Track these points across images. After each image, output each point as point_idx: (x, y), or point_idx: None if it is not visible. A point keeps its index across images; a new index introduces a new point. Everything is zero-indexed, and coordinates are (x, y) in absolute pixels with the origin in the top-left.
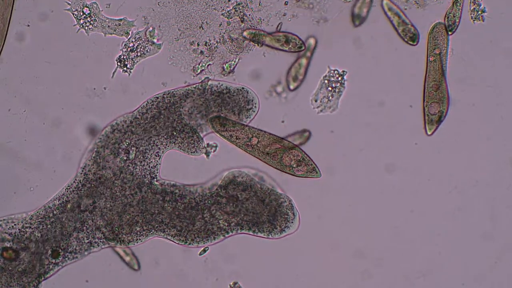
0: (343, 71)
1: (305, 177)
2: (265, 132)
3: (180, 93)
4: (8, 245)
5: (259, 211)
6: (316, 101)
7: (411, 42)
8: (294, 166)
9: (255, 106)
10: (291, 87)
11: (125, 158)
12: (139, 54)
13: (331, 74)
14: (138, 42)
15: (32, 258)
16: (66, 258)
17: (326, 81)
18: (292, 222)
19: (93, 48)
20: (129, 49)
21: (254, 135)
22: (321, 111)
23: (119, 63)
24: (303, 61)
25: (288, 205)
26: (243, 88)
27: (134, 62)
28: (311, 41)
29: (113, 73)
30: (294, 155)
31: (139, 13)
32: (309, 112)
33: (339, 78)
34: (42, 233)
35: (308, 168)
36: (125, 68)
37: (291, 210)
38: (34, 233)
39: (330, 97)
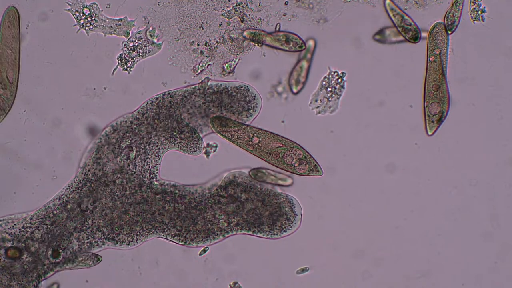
0: (343, 73)
1: (307, 175)
2: (266, 131)
3: (180, 93)
4: (12, 245)
5: (259, 211)
6: (316, 101)
7: (412, 41)
8: (296, 164)
9: (256, 105)
10: (295, 90)
11: (125, 158)
12: (139, 54)
13: (331, 76)
14: (139, 42)
15: (33, 257)
16: (67, 259)
17: (325, 83)
18: (293, 222)
19: (93, 48)
20: (130, 49)
21: (255, 134)
22: (319, 112)
23: (120, 61)
24: (304, 63)
25: (288, 205)
26: (241, 86)
27: (134, 61)
28: (311, 43)
29: (114, 70)
30: (295, 153)
31: (139, 13)
32: (309, 113)
33: (339, 80)
34: (42, 233)
35: (310, 166)
36: (125, 66)
37: (292, 210)
38: (35, 233)
39: (330, 98)
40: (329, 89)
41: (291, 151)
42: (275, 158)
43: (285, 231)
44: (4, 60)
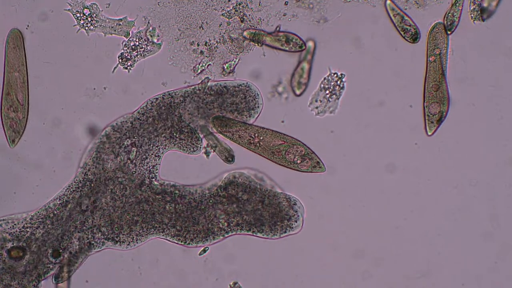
0: (342, 74)
1: (310, 171)
2: (267, 129)
3: (180, 94)
4: (15, 244)
5: (259, 212)
6: (316, 101)
7: (411, 41)
8: (298, 161)
9: (258, 104)
10: (297, 92)
11: (125, 158)
12: (139, 53)
13: (330, 78)
14: (139, 42)
15: (33, 257)
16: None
17: (323, 85)
18: (295, 223)
19: (93, 48)
20: (130, 48)
21: (256, 132)
22: (318, 113)
23: (120, 60)
24: (305, 65)
25: (288, 205)
26: (241, 84)
27: (135, 60)
28: (311, 44)
29: (114, 68)
30: (297, 150)
31: (139, 13)
32: (309, 113)
33: (338, 82)
34: (43, 233)
35: (312, 162)
36: (126, 65)
37: (292, 209)
38: (35, 233)
39: (329, 99)
40: (327, 91)
41: (293, 148)
42: (277, 155)
43: (285, 232)
44: (13, 83)
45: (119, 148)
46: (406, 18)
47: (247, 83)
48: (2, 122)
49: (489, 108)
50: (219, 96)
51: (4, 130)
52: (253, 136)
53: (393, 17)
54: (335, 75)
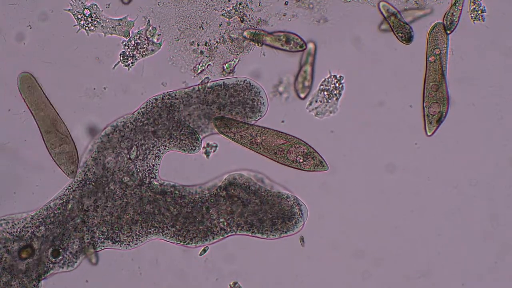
0: (341, 77)
1: (312, 171)
2: (269, 129)
3: (180, 94)
4: (24, 244)
5: (259, 212)
6: (316, 101)
7: (405, 42)
8: (301, 161)
9: (263, 103)
10: (302, 96)
11: (126, 158)
12: (140, 53)
13: (329, 80)
14: (139, 41)
15: (34, 257)
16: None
17: (322, 86)
18: (296, 222)
19: (93, 48)
20: (132, 47)
21: (258, 132)
22: (317, 114)
23: (121, 58)
24: (308, 68)
25: (289, 205)
26: (239, 84)
27: (135, 59)
28: (311, 46)
29: (115, 65)
30: (299, 150)
31: (139, 13)
32: (309, 113)
33: (337, 84)
34: (43, 233)
35: (315, 161)
36: (127, 62)
37: (294, 209)
38: (35, 233)
39: (329, 101)
40: (325, 93)
41: (295, 147)
42: (279, 155)
43: (286, 232)
44: (46, 120)
45: (119, 148)
46: (399, 17)
47: (248, 81)
48: (54, 159)
49: (489, 108)
50: (219, 97)
51: (59, 166)
52: (254, 136)
53: (387, 18)
54: (334, 77)
